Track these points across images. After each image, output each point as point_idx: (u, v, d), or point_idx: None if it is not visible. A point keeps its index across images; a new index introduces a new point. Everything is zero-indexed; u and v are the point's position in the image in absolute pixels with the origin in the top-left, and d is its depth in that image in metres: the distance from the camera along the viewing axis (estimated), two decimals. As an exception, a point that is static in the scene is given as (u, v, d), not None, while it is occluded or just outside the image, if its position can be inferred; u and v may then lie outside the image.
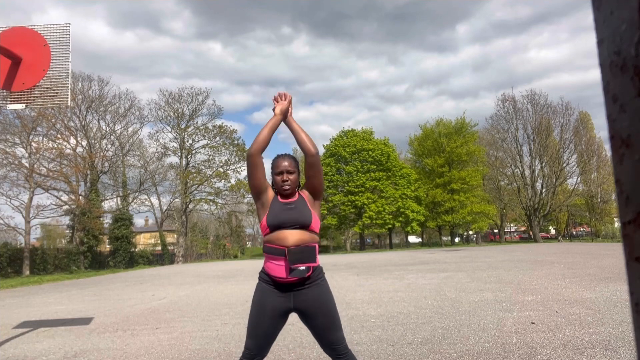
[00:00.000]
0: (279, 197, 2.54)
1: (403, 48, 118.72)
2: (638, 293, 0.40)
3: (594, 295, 6.99)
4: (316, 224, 2.50)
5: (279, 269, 2.40)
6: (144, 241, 49.96)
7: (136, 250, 36.81)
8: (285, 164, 2.51)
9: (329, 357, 2.51)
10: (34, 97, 4.76)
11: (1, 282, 19.77)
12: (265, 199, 2.53)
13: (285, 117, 2.64)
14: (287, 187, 2.49)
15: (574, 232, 52.97)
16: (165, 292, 11.68)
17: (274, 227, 2.43)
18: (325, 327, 2.46)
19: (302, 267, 2.38)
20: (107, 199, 36.95)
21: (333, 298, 2.55)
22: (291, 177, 2.50)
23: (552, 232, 57.17)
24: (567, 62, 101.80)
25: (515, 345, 4.29)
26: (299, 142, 2.59)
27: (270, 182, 2.63)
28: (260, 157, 2.54)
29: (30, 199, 28.24)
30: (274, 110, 2.63)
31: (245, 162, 2.61)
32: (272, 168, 2.57)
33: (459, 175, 42.89)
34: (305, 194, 2.58)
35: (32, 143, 28.82)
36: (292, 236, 2.40)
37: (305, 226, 2.43)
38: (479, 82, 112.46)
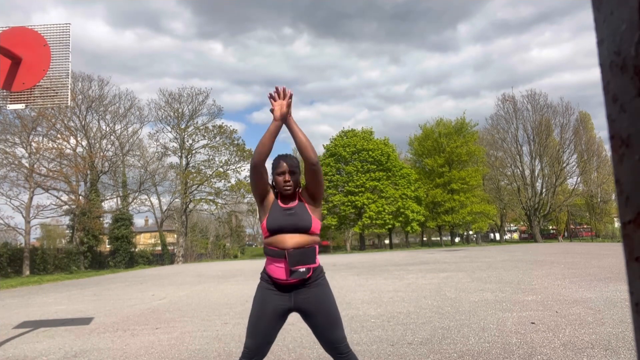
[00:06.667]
0: (279, 201, 2.54)
1: (405, 48, 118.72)
2: (638, 293, 0.40)
3: (594, 295, 6.99)
4: (316, 226, 2.51)
5: (279, 271, 2.43)
6: (144, 241, 49.98)
7: (136, 250, 36.80)
8: (287, 164, 2.50)
9: (331, 356, 2.51)
10: (34, 97, 4.76)
11: (1, 282, 19.78)
12: (267, 202, 2.55)
13: (285, 119, 2.49)
14: (288, 188, 2.50)
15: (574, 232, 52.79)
16: (165, 292, 11.68)
17: (274, 231, 2.46)
18: (326, 326, 2.48)
19: (302, 269, 2.40)
20: (107, 199, 36.99)
21: (333, 297, 2.57)
22: (293, 177, 2.51)
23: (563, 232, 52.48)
24: (568, 62, 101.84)
25: (515, 345, 4.29)
26: (300, 148, 2.48)
27: (270, 181, 2.62)
28: (264, 167, 2.54)
29: (30, 199, 28.24)
30: (272, 111, 2.48)
31: (249, 172, 2.56)
32: (273, 168, 2.55)
33: (459, 175, 42.89)
34: (305, 197, 2.58)
35: (32, 143, 28.82)
36: (291, 239, 2.42)
37: (305, 230, 2.46)
38: (480, 82, 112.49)
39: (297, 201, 2.54)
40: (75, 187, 32.30)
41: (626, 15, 0.39)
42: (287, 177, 2.49)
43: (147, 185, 38.71)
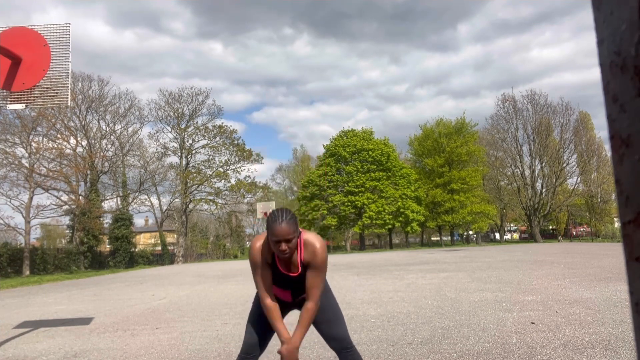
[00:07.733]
0: (279, 265, 2.44)
1: (405, 48, 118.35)
2: (638, 293, 0.40)
3: (594, 295, 6.99)
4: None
5: (284, 294, 2.55)
6: (144, 241, 49.98)
7: (136, 250, 36.82)
8: (283, 232, 2.24)
9: (335, 352, 2.53)
10: (34, 97, 4.76)
11: (1, 282, 19.77)
12: (265, 269, 2.46)
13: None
14: (285, 256, 2.33)
15: (574, 232, 52.81)
16: (165, 292, 11.68)
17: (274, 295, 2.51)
18: (326, 320, 2.51)
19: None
20: (107, 199, 37.01)
21: (332, 293, 2.62)
22: (290, 244, 2.28)
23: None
24: (568, 62, 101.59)
25: (515, 345, 4.28)
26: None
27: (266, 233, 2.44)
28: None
29: (30, 199, 28.26)
30: (279, 352, 2.43)
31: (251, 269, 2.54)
32: (268, 227, 2.31)
33: (459, 175, 42.88)
34: (307, 265, 2.45)
35: (32, 143, 28.85)
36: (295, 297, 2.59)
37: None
38: (480, 81, 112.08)
39: (299, 270, 2.43)
40: (75, 187, 32.31)
41: (626, 15, 0.39)
42: (284, 245, 2.26)
43: (147, 185, 38.75)
